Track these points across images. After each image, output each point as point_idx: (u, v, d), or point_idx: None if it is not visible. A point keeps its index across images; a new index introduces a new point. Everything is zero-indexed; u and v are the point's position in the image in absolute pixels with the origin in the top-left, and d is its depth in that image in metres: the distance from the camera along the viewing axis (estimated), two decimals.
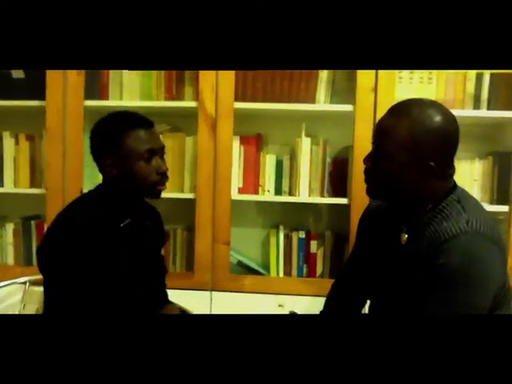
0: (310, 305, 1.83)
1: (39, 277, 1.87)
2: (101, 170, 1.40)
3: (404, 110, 1.18)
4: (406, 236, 1.24)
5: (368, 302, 1.47)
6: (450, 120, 1.17)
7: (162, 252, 1.68)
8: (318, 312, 1.50)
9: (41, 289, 1.88)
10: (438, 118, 1.14)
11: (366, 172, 1.24)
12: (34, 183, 2.10)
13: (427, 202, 1.20)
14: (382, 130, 1.19)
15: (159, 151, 1.38)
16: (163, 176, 1.38)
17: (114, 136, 1.33)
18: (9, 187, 2.10)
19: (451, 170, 1.21)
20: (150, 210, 1.57)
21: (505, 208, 1.86)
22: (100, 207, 1.38)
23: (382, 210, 1.36)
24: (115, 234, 1.39)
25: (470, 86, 1.91)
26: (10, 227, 2.13)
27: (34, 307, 1.88)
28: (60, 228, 1.36)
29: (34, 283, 1.88)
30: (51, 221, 1.91)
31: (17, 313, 1.86)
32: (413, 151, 1.14)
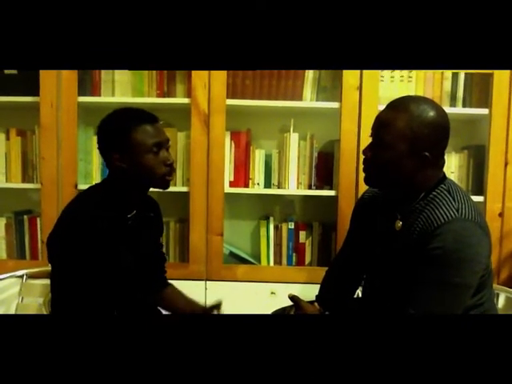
0: (301, 291, 1.91)
1: (36, 270, 1.93)
2: (108, 165, 1.45)
3: (402, 105, 1.28)
4: (401, 223, 1.34)
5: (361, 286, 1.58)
6: (443, 115, 1.29)
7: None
8: (312, 297, 1.58)
9: (38, 282, 1.93)
10: (432, 113, 1.26)
11: (366, 162, 1.34)
12: (26, 178, 2.11)
13: (420, 191, 1.30)
14: (382, 123, 1.29)
15: (165, 144, 1.44)
16: (171, 167, 1.44)
17: (123, 131, 1.38)
18: (1, 182, 2.10)
19: (442, 160, 1.33)
20: (152, 203, 1.63)
21: (480, 198, 1.97)
22: (108, 199, 1.43)
23: (377, 199, 1.47)
24: (123, 225, 1.45)
25: (447, 85, 2.04)
26: (2, 222, 2.13)
27: (31, 300, 1.91)
28: (70, 219, 1.40)
29: (31, 276, 1.92)
30: (47, 214, 1.97)
31: (14, 306, 1.89)
32: (410, 142, 1.25)
